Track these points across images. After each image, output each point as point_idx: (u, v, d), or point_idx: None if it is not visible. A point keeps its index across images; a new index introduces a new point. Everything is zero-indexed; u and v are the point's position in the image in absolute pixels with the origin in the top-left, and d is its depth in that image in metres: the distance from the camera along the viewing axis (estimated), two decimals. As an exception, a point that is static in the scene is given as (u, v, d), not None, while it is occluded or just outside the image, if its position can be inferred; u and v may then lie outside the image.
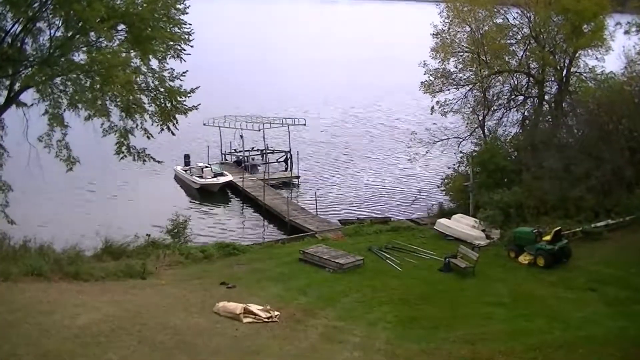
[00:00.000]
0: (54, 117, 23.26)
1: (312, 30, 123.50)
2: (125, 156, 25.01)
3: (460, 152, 38.88)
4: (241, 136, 48.32)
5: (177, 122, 25.47)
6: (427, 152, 39.24)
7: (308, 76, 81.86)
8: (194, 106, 25.24)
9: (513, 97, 40.48)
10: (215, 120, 49.35)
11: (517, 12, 39.66)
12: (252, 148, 50.04)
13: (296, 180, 46.05)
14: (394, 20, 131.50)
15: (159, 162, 26.57)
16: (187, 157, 45.88)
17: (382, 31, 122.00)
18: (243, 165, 47.78)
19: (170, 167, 44.56)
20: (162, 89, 24.62)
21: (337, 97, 71.29)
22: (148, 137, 24.75)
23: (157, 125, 25.23)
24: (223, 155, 49.54)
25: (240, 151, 49.12)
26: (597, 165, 31.70)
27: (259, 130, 48.26)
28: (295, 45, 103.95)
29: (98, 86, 22.77)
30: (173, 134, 25.79)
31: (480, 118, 39.82)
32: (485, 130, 39.59)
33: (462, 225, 32.53)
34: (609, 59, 38.62)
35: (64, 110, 23.57)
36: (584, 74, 39.01)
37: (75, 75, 22.91)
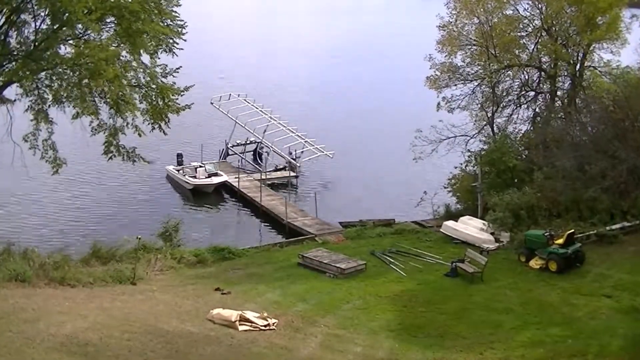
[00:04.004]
0: (38, 113, 23.23)
1: (313, 23, 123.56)
2: (115, 156, 25.01)
3: (468, 150, 38.78)
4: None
5: (168, 121, 25.48)
6: (433, 151, 39.16)
7: (308, 69, 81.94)
8: (187, 105, 25.23)
9: (523, 92, 40.39)
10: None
11: (528, 3, 39.57)
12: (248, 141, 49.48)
13: (295, 180, 46.02)
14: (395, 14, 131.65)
15: (148, 162, 26.59)
16: (179, 156, 45.70)
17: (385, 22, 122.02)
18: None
19: (162, 166, 44.60)
20: (153, 86, 24.61)
21: (337, 94, 71.23)
22: (139, 135, 24.76)
23: (149, 123, 25.25)
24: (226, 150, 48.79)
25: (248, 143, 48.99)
26: (612, 164, 31.66)
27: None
28: (297, 36, 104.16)
29: (86, 81, 22.75)
30: (165, 133, 25.80)
31: (489, 115, 39.73)
32: (495, 128, 39.55)
33: (470, 227, 32.54)
34: (625, 53, 38.55)
35: (49, 106, 23.54)
36: (599, 69, 38.90)
37: (61, 70, 22.89)
